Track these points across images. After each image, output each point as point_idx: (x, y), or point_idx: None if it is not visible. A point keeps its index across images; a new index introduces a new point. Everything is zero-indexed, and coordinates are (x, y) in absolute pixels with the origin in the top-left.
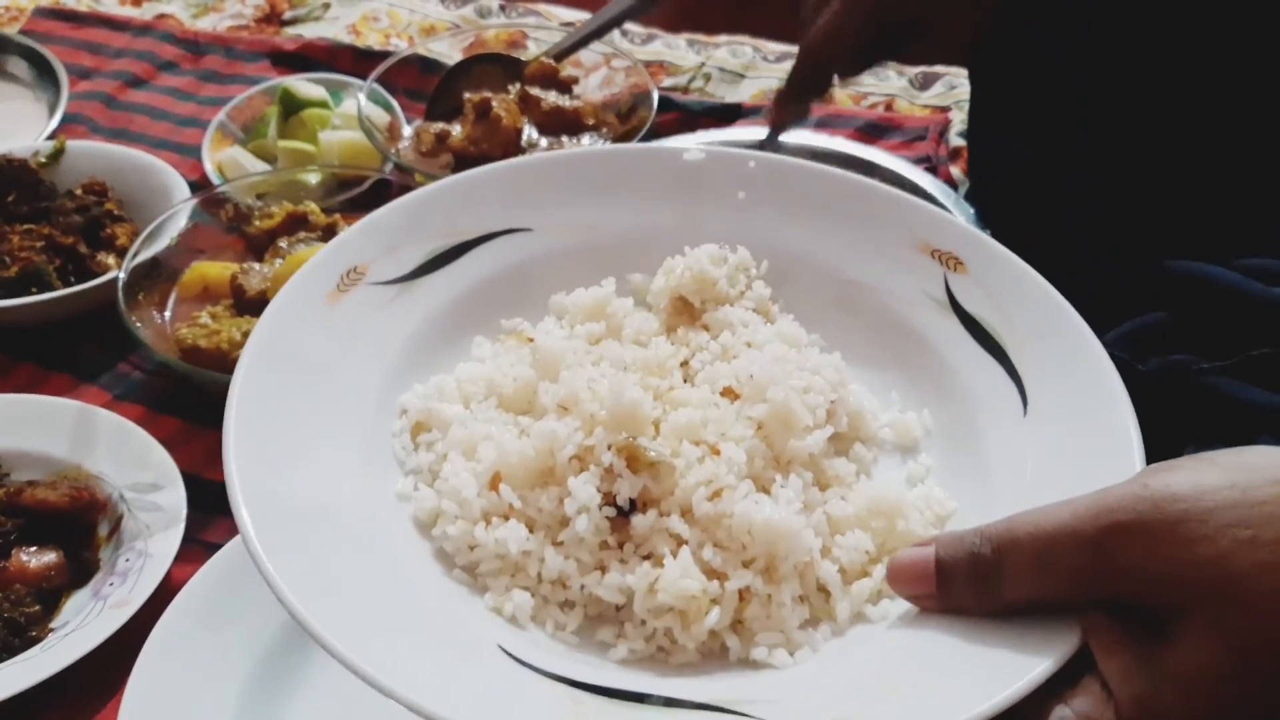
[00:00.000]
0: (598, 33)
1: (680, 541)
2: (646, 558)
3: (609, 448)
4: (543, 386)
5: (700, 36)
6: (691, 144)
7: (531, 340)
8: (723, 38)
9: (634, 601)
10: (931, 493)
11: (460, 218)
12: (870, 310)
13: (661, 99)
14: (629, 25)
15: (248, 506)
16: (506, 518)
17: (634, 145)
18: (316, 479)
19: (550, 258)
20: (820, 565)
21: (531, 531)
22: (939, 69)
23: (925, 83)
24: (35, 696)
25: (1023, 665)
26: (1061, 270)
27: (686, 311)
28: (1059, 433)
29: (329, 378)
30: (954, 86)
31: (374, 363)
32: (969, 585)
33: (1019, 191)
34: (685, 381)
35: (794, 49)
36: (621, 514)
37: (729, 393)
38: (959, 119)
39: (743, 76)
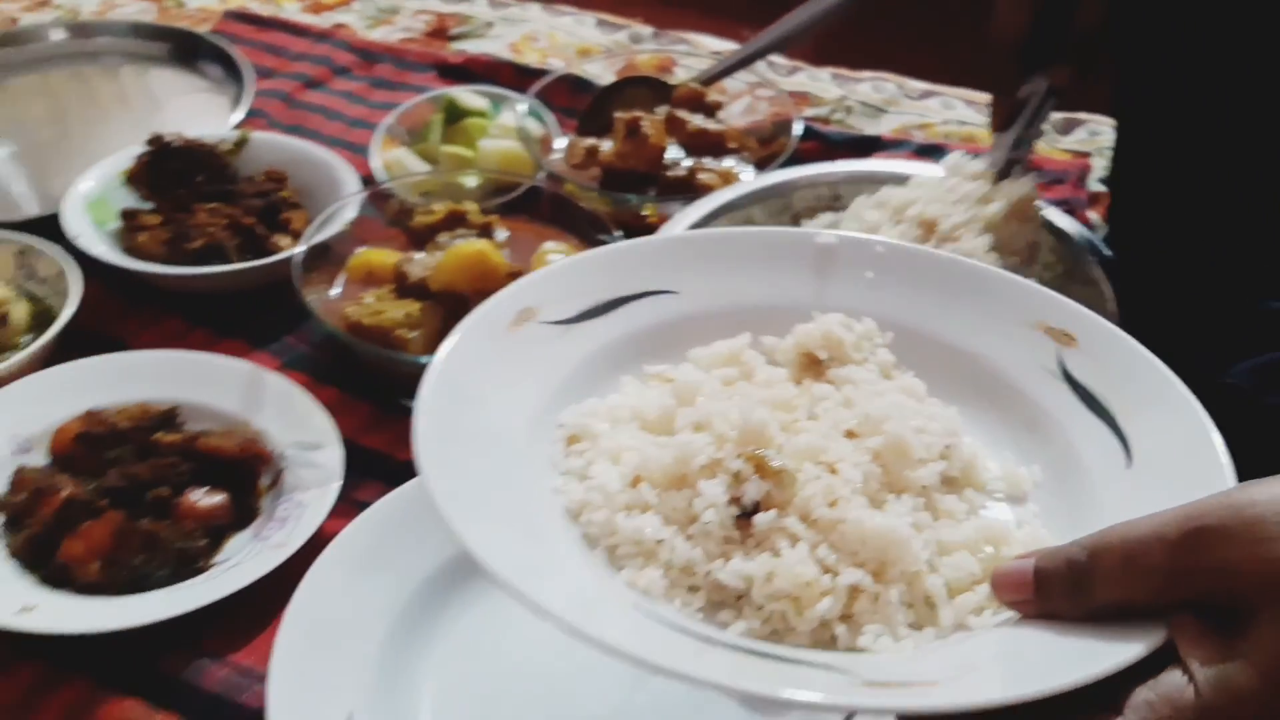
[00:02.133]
0: (745, 62)
1: (797, 539)
2: (766, 552)
3: (737, 456)
4: (681, 412)
5: (844, 70)
6: (826, 230)
7: (672, 380)
8: (866, 73)
9: (753, 588)
10: (1037, 532)
11: (618, 277)
12: (986, 377)
13: (803, 128)
14: (774, 57)
15: (433, 471)
16: (644, 510)
17: (773, 228)
18: (486, 464)
19: (692, 318)
20: (927, 577)
21: (664, 525)
22: (1081, 115)
23: (1067, 128)
24: (198, 621)
25: (1114, 651)
26: (1196, 310)
27: (813, 368)
28: (1160, 485)
29: (502, 393)
30: (1095, 134)
31: (539, 385)
32: (1064, 589)
33: (1160, 237)
34: (809, 419)
35: (937, 87)
36: (745, 515)
37: (850, 434)
38: (1099, 165)
39: (884, 111)
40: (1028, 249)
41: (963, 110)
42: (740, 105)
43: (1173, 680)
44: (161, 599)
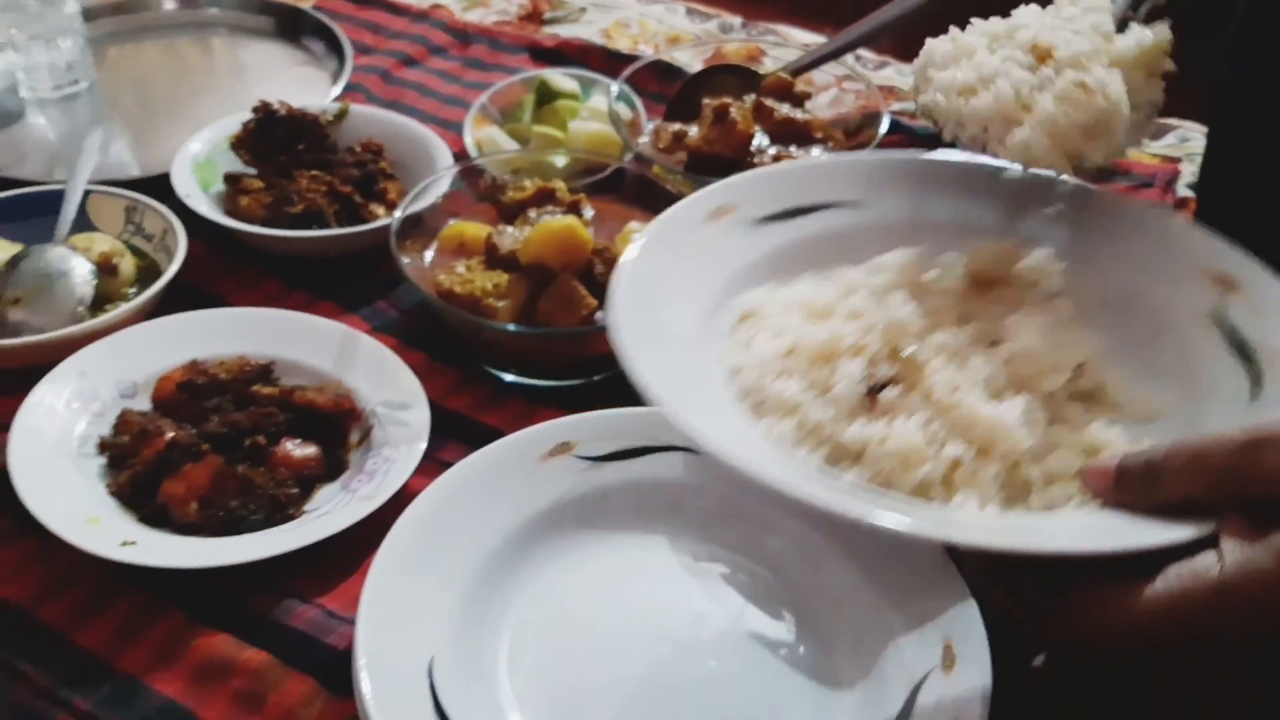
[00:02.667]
0: (833, 54)
1: (914, 414)
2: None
3: (879, 344)
4: (842, 304)
5: None
6: (1013, 164)
7: (843, 280)
8: None
9: (868, 449)
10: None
11: (811, 187)
12: (1143, 313)
13: (890, 121)
14: (863, 51)
15: (623, 319)
16: (789, 376)
17: (967, 157)
18: (670, 322)
19: (875, 230)
20: (1027, 464)
21: (804, 390)
22: (1173, 121)
23: (1158, 134)
24: (287, 564)
25: (1166, 532)
26: None
27: (981, 286)
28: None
29: (692, 273)
30: (1186, 139)
31: (723, 271)
32: (1139, 483)
33: (1245, 244)
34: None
35: None
36: (873, 391)
37: (994, 343)
38: (1188, 171)
39: None
40: (1150, 107)
41: None
42: (827, 97)
43: (1204, 559)
44: (254, 541)
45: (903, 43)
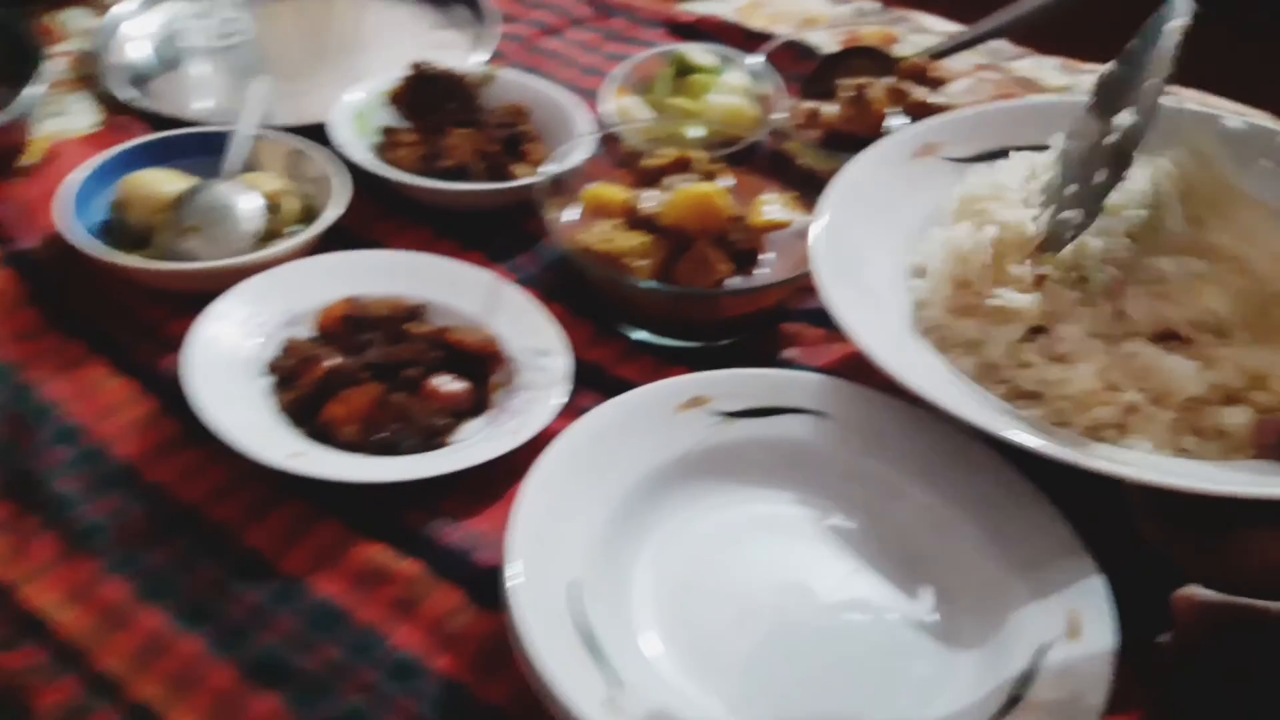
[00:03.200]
0: (971, 42)
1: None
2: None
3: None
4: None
5: (1072, 61)
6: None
7: None
8: (1093, 65)
9: (1045, 390)
10: None
11: (1012, 129)
12: None
13: None
14: (1001, 42)
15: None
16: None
17: (1187, 105)
18: (869, 254)
19: None
20: (1205, 411)
21: None
22: None
23: None
24: (438, 487)
25: None
26: None
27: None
28: None
29: (896, 203)
30: None
31: (920, 206)
32: None
33: None
34: None
35: None
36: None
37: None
38: None
39: None
40: None
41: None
42: (963, 84)
43: None
44: (409, 463)
45: (1043, 36)
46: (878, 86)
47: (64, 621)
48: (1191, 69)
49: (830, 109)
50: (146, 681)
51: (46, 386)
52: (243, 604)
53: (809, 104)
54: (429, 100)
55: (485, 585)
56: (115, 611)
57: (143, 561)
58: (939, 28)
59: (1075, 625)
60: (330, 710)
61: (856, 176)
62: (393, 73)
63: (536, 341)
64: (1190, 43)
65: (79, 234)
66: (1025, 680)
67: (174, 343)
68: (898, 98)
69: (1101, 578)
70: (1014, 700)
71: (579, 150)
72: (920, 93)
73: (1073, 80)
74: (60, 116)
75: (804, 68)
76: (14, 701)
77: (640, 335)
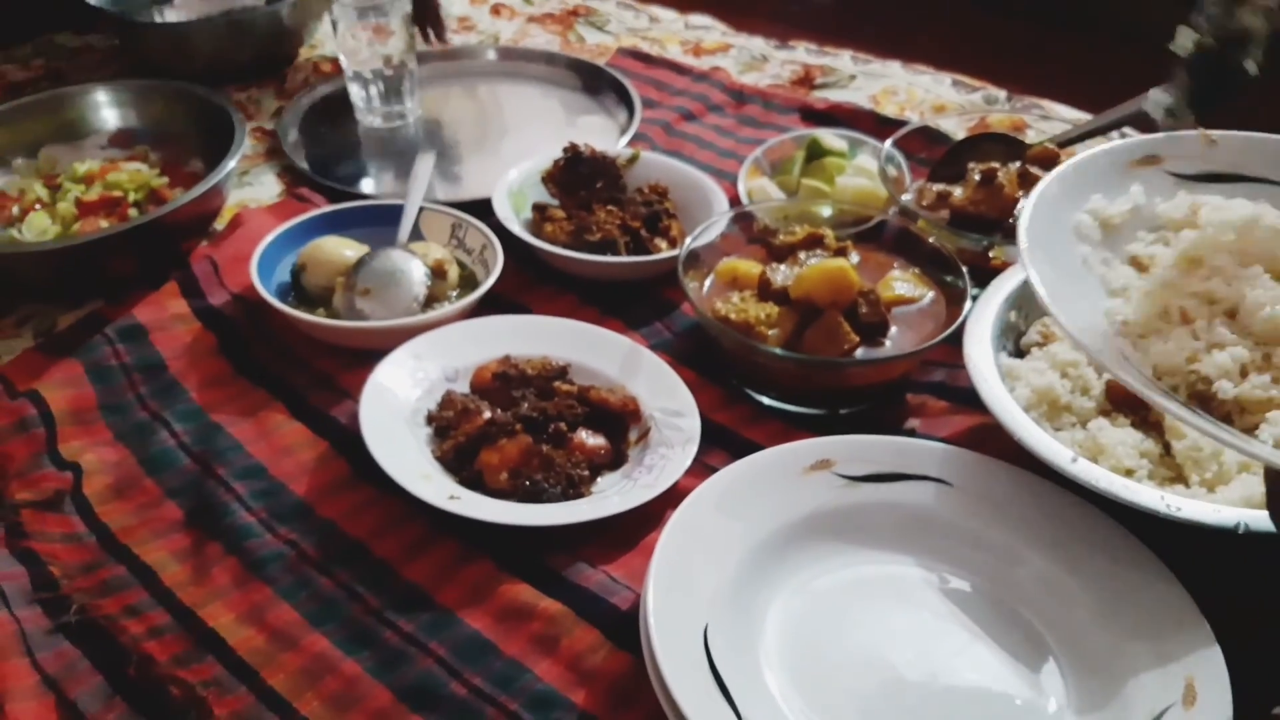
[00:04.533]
0: (1101, 130)
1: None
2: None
3: None
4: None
5: None
6: None
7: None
8: None
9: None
10: None
11: (1252, 163)
12: None
13: None
14: (1129, 129)
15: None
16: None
17: None
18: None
19: None
20: None
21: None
22: None
23: None
24: (578, 534)
25: None
26: None
27: None
28: None
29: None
30: None
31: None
32: None
33: None
34: None
35: None
36: None
37: None
38: None
39: None
40: None
41: None
42: None
43: None
44: (554, 510)
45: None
46: (1007, 171)
47: (239, 640)
48: None
49: (959, 191)
50: (311, 698)
51: (232, 428)
52: (400, 632)
53: (938, 186)
54: (579, 179)
55: (621, 626)
56: (285, 634)
57: (311, 589)
58: (1066, 115)
59: (1191, 693)
60: None
61: (1068, 174)
62: (547, 154)
63: (670, 402)
64: None
65: (267, 292)
66: None
67: (345, 392)
68: (1027, 183)
69: (1218, 647)
70: None
71: (715, 227)
72: None
73: None
74: (248, 186)
75: (934, 152)
76: (196, 708)
77: (770, 400)
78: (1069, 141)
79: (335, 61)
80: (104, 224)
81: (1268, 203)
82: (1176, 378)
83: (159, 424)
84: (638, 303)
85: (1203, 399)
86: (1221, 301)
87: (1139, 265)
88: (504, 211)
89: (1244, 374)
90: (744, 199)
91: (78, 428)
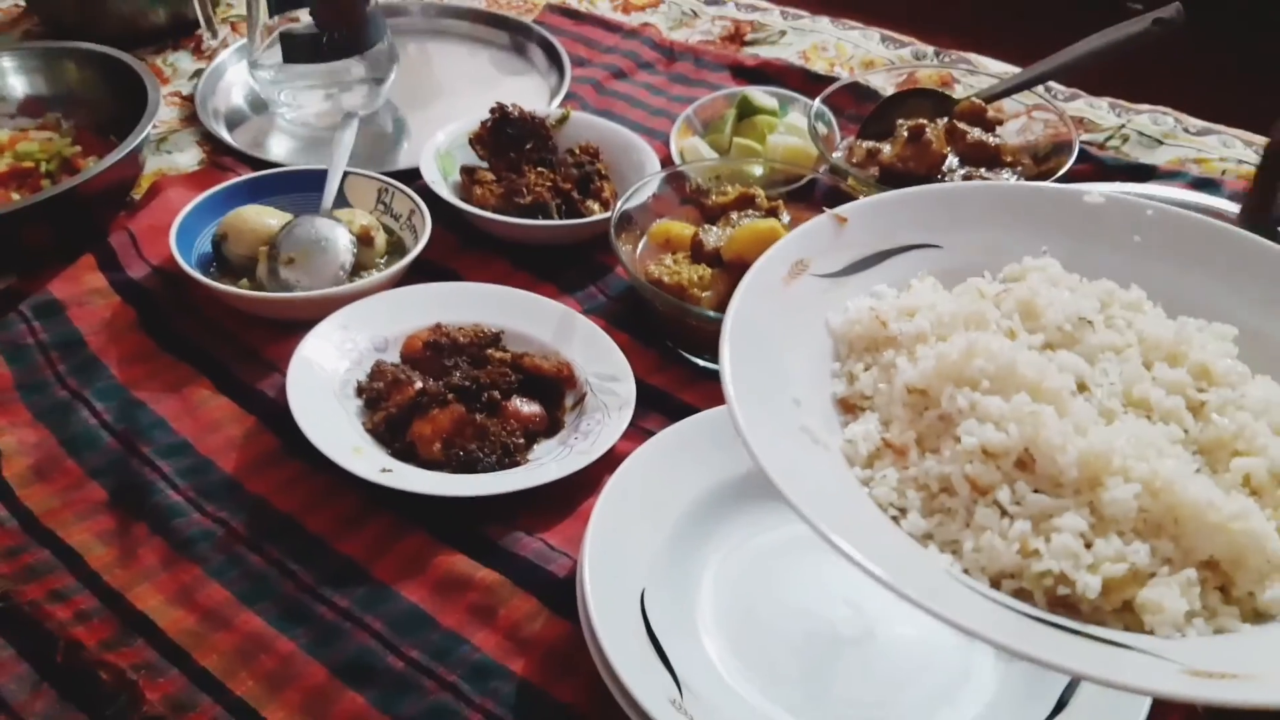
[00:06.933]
0: (1026, 84)
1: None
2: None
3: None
4: None
5: (1122, 101)
6: (1094, 189)
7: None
8: (1145, 106)
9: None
10: None
11: (886, 231)
12: (1266, 359)
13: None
14: (1053, 84)
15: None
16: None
17: (1041, 184)
18: (782, 378)
19: (953, 273)
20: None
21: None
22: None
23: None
24: (514, 502)
25: None
26: None
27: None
28: None
29: (788, 344)
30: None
31: (813, 340)
32: None
33: None
34: None
35: (1216, 125)
36: None
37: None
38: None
39: (1160, 143)
40: None
41: (1241, 149)
42: (1017, 124)
43: None
44: (489, 479)
45: (1094, 78)
46: (935, 127)
47: (170, 622)
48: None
49: (889, 148)
50: (245, 678)
51: (156, 405)
52: (335, 608)
53: (868, 143)
54: (508, 141)
55: (558, 593)
56: (216, 613)
57: (243, 567)
58: (994, 69)
59: None
60: (414, 708)
61: (744, 306)
62: (474, 116)
63: (605, 367)
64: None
65: (187, 264)
66: (1073, 685)
67: (272, 365)
68: (955, 138)
69: None
70: (1062, 704)
71: (647, 188)
72: (976, 133)
73: (1126, 119)
74: (166, 154)
75: (863, 109)
76: (127, 693)
77: (706, 362)
78: (995, 96)
79: None
80: (15, 196)
81: (925, 270)
82: (1020, 581)
83: (79, 403)
84: (570, 266)
85: (1065, 604)
86: (1005, 453)
87: (849, 408)
88: (431, 175)
89: (1087, 545)
90: (676, 159)
91: None
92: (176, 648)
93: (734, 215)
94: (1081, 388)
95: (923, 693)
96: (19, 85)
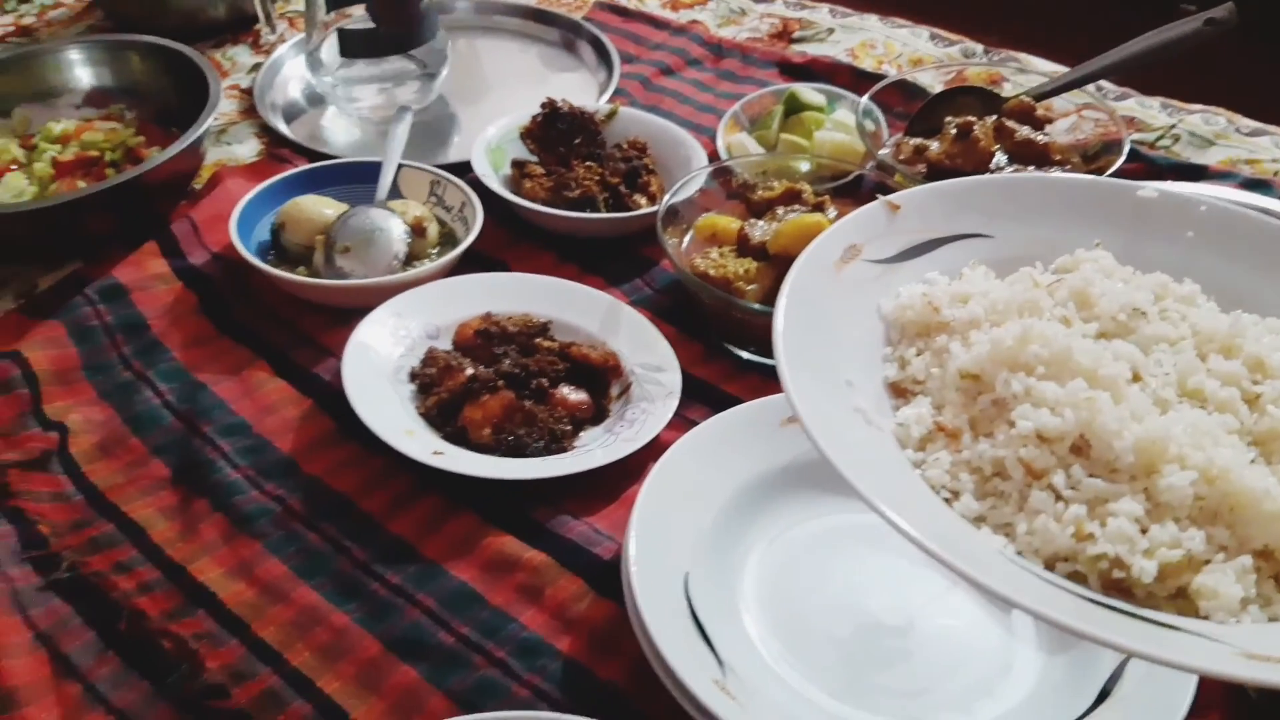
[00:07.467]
0: (1076, 83)
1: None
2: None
3: None
4: None
5: (1174, 101)
6: (1147, 184)
7: None
8: (1197, 106)
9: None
10: None
11: (938, 220)
12: None
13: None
14: (1105, 82)
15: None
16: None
17: (1095, 178)
18: (835, 359)
19: (1005, 262)
20: None
21: None
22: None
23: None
24: (561, 487)
25: None
26: None
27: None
28: None
29: (835, 327)
30: None
31: (865, 325)
32: None
33: None
34: None
35: (1270, 126)
36: None
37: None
38: None
39: (1212, 143)
40: None
41: None
42: (1067, 123)
43: None
44: (537, 464)
45: (1146, 78)
46: (983, 124)
47: (229, 594)
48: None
49: (937, 146)
50: (302, 649)
51: (216, 387)
52: (387, 584)
53: (915, 140)
54: (557, 135)
55: (603, 575)
56: (274, 587)
57: (299, 543)
58: (1043, 68)
59: None
60: (463, 682)
61: (798, 288)
62: (525, 110)
63: (651, 358)
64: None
65: (247, 251)
66: (1115, 677)
67: (328, 350)
68: (1003, 136)
69: None
70: (1104, 695)
71: (694, 182)
72: (1024, 131)
73: (1177, 119)
74: (226, 145)
75: (911, 106)
76: (188, 661)
77: (750, 354)
78: (1044, 95)
79: None
80: (81, 184)
81: (976, 259)
82: (1075, 564)
83: (143, 383)
84: (617, 259)
85: (1120, 588)
86: (1061, 438)
87: (900, 392)
88: (482, 168)
89: (1143, 530)
90: (723, 154)
91: (61, 388)
92: (236, 619)
93: (780, 210)
94: (1136, 378)
95: (962, 684)
96: (85, 77)
